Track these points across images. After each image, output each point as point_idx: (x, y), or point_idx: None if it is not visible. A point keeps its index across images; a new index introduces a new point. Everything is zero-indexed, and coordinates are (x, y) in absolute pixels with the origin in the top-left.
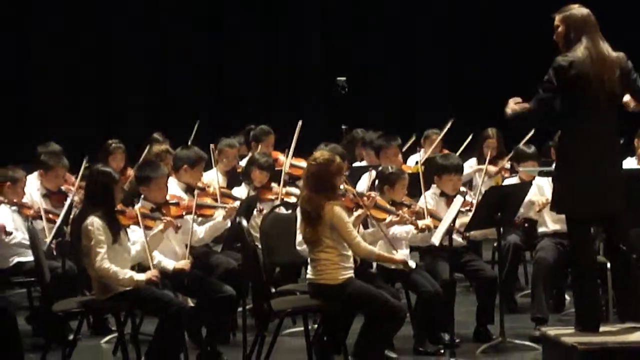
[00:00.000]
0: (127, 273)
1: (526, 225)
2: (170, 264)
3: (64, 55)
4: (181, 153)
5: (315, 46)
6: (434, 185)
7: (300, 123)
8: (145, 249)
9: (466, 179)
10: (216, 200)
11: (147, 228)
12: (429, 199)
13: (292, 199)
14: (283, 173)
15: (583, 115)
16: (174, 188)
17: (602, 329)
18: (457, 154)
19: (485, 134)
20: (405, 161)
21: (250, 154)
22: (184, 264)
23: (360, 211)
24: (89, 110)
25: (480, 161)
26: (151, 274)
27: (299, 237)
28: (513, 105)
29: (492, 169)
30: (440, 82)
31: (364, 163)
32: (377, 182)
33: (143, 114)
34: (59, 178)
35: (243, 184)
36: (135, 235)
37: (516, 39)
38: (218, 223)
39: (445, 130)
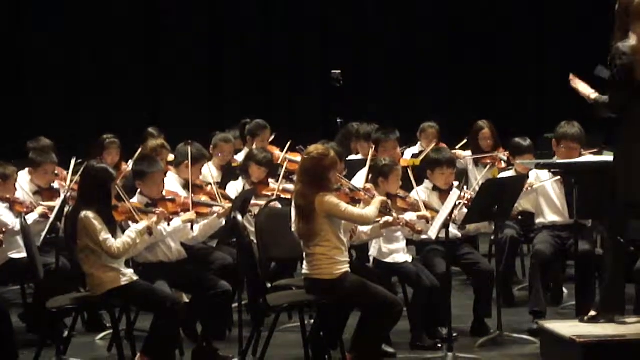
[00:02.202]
0: (130, 232)
1: (520, 217)
2: (177, 221)
3: (60, 51)
4: (183, 149)
5: (311, 39)
6: (426, 180)
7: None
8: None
9: (461, 164)
10: (212, 198)
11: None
12: (421, 193)
13: (289, 196)
14: (281, 169)
15: (636, 99)
16: (173, 183)
17: (600, 321)
18: (458, 147)
19: (477, 126)
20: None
21: (247, 149)
22: (191, 214)
23: (359, 205)
24: (84, 106)
25: (476, 154)
26: (147, 220)
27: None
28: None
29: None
30: (438, 76)
31: (359, 156)
32: (370, 175)
33: (137, 108)
34: (48, 174)
35: (240, 178)
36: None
37: (513, 32)
38: (212, 221)
39: (460, 145)
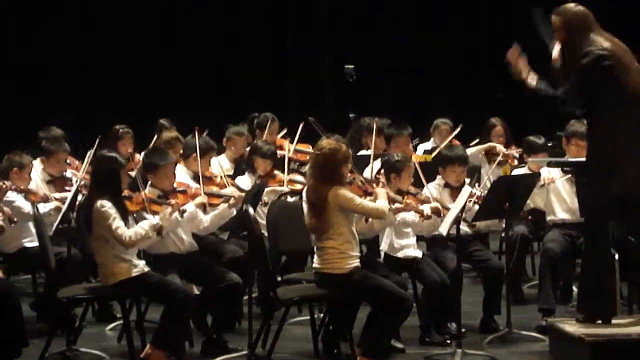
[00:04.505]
0: (143, 224)
1: (530, 217)
2: (190, 206)
3: (75, 39)
4: (191, 141)
5: (324, 34)
6: (438, 177)
7: (297, 134)
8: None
9: (475, 161)
10: (222, 189)
11: (154, 213)
12: (432, 189)
13: (297, 186)
14: (286, 160)
15: (629, 102)
16: (182, 176)
17: (597, 322)
18: (472, 144)
19: (490, 124)
20: (415, 150)
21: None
22: (202, 198)
23: (369, 198)
24: (99, 96)
25: (490, 152)
26: (161, 215)
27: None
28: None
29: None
30: (450, 72)
31: (370, 152)
32: (382, 170)
33: (150, 99)
34: (60, 163)
35: (246, 173)
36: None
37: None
38: (224, 211)
39: (454, 134)
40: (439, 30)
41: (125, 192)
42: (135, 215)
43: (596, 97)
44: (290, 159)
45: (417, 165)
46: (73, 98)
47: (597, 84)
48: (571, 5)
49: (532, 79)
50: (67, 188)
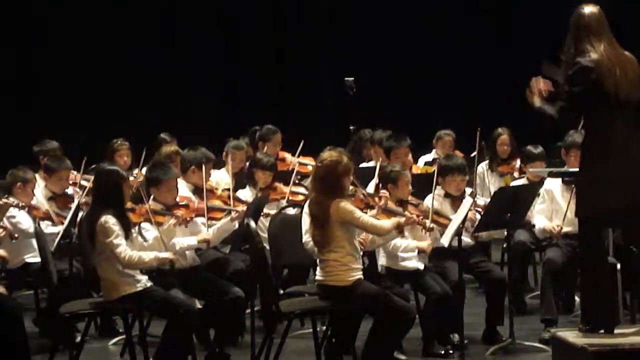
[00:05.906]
0: (150, 254)
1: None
2: (192, 240)
3: (76, 54)
4: (188, 154)
5: (324, 46)
6: (438, 187)
7: (302, 142)
8: (157, 245)
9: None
10: (225, 202)
11: (158, 225)
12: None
13: (300, 197)
14: (294, 174)
15: (609, 115)
16: (182, 189)
17: (600, 332)
18: (472, 156)
19: (497, 133)
20: (415, 162)
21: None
22: (206, 235)
23: (372, 212)
24: (100, 110)
25: (494, 162)
26: (171, 253)
27: (305, 237)
28: (538, 95)
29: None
30: (451, 83)
31: (372, 163)
32: (380, 183)
33: (150, 113)
34: (62, 180)
35: (247, 186)
36: (150, 235)
37: (530, 38)
38: (226, 225)
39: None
40: (440, 38)
41: (129, 205)
42: (138, 227)
43: (585, 108)
44: (292, 171)
45: (435, 174)
46: (72, 112)
47: (583, 95)
48: (587, 5)
49: (536, 101)
50: (69, 205)
